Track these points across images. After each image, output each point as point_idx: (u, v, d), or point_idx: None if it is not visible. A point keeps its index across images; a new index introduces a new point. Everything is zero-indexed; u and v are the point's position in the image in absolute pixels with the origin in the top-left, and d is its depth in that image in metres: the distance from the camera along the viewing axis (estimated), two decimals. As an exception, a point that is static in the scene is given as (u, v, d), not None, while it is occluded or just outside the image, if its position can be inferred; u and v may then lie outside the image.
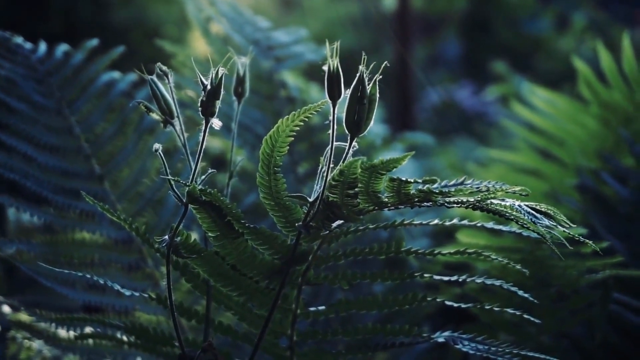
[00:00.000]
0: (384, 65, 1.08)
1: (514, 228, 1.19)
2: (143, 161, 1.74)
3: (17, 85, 1.69)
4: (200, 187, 1.10)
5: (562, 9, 5.21)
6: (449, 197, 1.08)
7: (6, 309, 1.64)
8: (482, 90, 4.96)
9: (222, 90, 1.13)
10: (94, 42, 1.81)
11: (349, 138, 1.10)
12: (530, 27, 5.40)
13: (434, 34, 6.27)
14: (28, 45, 1.78)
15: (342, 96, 1.10)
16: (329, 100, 1.09)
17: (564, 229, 1.06)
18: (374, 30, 6.36)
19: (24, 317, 1.58)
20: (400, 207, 1.12)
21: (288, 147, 1.10)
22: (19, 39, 1.77)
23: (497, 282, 1.20)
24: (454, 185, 1.16)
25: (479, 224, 1.19)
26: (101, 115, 1.76)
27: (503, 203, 1.07)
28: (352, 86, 1.08)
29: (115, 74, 1.80)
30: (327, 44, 1.08)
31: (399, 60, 4.69)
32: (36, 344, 1.60)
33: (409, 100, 4.71)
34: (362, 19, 6.49)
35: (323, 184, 1.10)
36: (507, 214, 1.06)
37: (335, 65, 1.09)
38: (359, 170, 1.07)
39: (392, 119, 4.58)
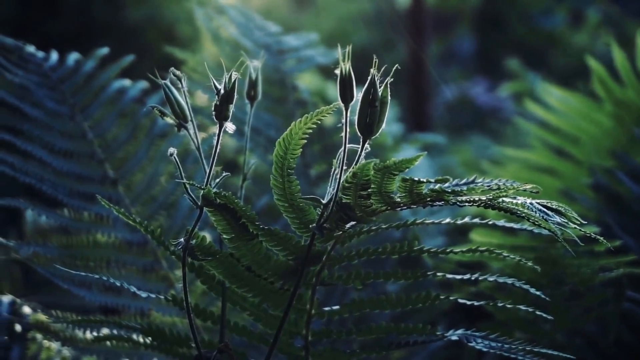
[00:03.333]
0: (396, 66, 1.08)
1: (527, 226, 1.19)
2: (156, 165, 1.76)
3: (30, 92, 1.72)
4: (214, 190, 1.11)
5: (575, 4, 5.19)
6: (461, 195, 1.09)
7: (26, 309, 1.66)
8: (497, 86, 4.95)
9: (235, 94, 1.14)
10: (104, 50, 1.83)
11: (361, 140, 1.11)
12: (544, 22, 5.38)
13: (447, 30, 6.26)
14: (40, 54, 1.81)
15: (354, 99, 1.10)
16: (341, 104, 1.10)
17: (578, 227, 1.06)
18: (387, 27, 6.36)
19: (42, 317, 1.59)
20: (412, 206, 1.12)
21: (301, 150, 1.11)
22: (31, 48, 1.80)
23: (509, 280, 1.20)
24: (465, 184, 1.15)
25: (490, 222, 1.19)
26: (113, 120, 1.78)
27: (514, 201, 1.07)
28: (363, 90, 1.09)
29: (126, 82, 1.83)
30: (339, 47, 1.09)
31: (413, 57, 4.70)
32: (56, 344, 1.61)
33: (423, 97, 4.71)
34: (375, 16, 6.49)
35: (336, 186, 1.10)
36: (518, 212, 1.06)
37: (347, 69, 1.09)
38: (372, 172, 1.07)
39: (406, 116, 4.58)
